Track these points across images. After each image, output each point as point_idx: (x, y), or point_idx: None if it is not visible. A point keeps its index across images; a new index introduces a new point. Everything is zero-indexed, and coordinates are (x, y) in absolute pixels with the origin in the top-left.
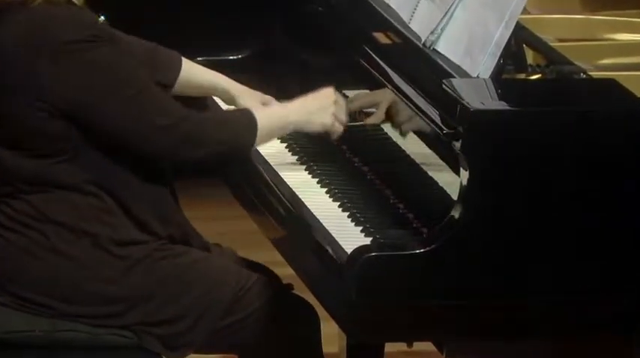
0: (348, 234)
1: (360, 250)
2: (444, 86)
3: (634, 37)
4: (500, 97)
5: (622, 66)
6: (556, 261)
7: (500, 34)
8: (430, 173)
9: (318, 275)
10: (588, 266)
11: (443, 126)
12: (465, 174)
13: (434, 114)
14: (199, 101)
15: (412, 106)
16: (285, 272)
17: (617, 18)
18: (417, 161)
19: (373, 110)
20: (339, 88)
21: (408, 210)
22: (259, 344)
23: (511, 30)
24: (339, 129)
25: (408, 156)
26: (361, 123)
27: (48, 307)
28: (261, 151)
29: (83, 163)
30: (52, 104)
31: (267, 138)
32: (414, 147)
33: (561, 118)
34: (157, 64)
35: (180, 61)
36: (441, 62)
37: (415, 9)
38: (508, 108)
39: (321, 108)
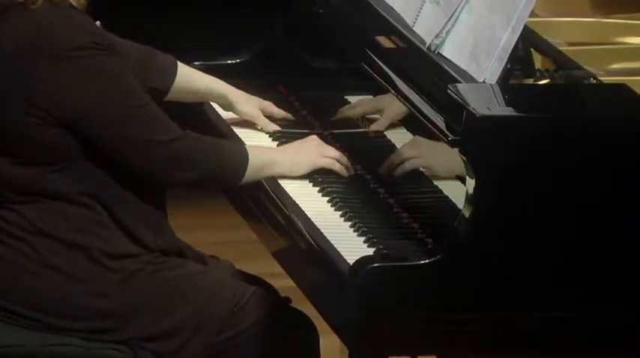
0: (350, 245)
1: (363, 261)
2: (449, 91)
3: None
4: (508, 103)
5: (633, 70)
6: (567, 272)
7: (508, 38)
8: (435, 181)
9: (319, 287)
10: (599, 277)
11: (448, 133)
12: (471, 183)
13: (439, 121)
14: (195, 107)
15: (416, 112)
16: (284, 283)
17: (629, 21)
18: (422, 169)
19: (377, 116)
20: (340, 93)
21: (413, 220)
22: None
23: (518, 33)
24: (329, 162)
25: None
26: (364, 130)
27: (38, 321)
28: None
29: (77, 173)
30: (47, 110)
31: (254, 177)
32: None
33: (571, 125)
34: (152, 68)
35: (176, 65)
36: (446, 67)
37: (419, 12)
38: (515, 114)
39: (306, 149)
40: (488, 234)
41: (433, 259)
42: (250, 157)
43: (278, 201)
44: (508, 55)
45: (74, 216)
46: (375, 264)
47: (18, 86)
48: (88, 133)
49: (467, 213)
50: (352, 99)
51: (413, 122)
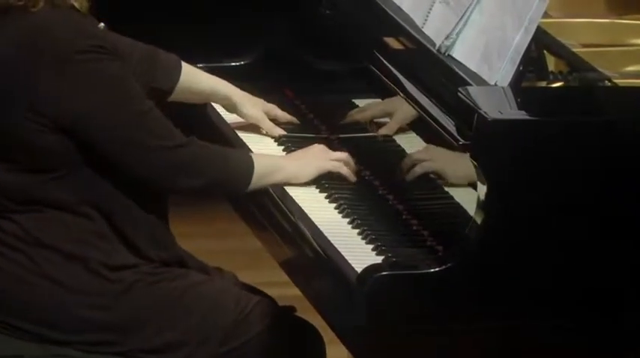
0: (358, 252)
1: (371, 269)
2: (459, 94)
3: None
4: (520, 106)
5: None
6: (582, 279)
7: (520, 39)
8: (445, 187)
9: (326, 296)
10: (616, 283)
11: (459, 137)
12: (482, 188)
13: (449, 124)
14: (199, 109)
15: (426, 116)
16: (290, 292)
17: None
18: (432, 174)
19: (386, 120)
20: (348, 96)
21: (422, 227)
22: None
23: (531, 35)
24: (337, 165)
25: None
26: (373, 134)
27: (36, 333)
28: None
29: (77, 181)
30: (48, 115)
31: (260, 183)
32: None
33: (585, 128)
34: (155, 68)
35: (180, 65)
36: (456, 69)
37: (429, 12)
38: (528, 117)
39: (312, 154)
40: (501, 241)
41: (444, 267)
42: (256, 164)
43: (284, 207)
44: (520, 56)
45: (73, 226)
46: (384, 273)
47: (18, 89)
48: (89, 139)
49: (478, 220)
50: (360, 102)
51: (422, 126)
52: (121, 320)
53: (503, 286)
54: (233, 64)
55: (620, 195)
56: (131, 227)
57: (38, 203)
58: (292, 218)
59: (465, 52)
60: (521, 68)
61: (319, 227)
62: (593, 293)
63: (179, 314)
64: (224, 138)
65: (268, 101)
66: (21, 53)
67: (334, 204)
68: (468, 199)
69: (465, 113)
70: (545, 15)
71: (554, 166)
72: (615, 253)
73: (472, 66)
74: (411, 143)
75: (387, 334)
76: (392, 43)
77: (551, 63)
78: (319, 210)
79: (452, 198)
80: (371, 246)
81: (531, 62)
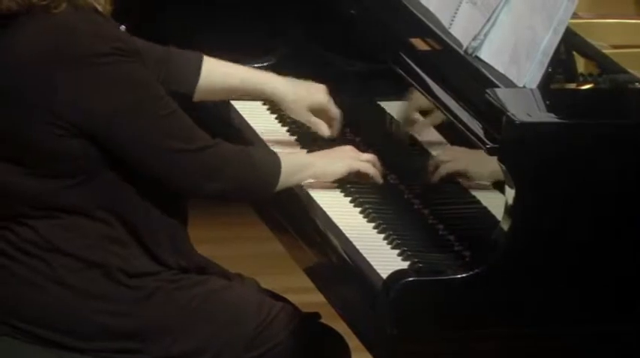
0: (383, 258)
1: (397, 275)
2: (487, 96)
3: None
4: (549, 109)
5: None
6: (612, 285)
7: (549, 41)
8: (472, 191)
9: (351, 303)
10: None
11: (486, 140)
12: (510, 193)
13: (476, 127)
14: (223, 112)
15: (453, 118)
16: (314, 298)
17: None
18: (457, 176)
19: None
20: (372, 97)
21: (449, 232)
22: None
23: (560, 36)
24: (365, 165)
25: None
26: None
27: (50, 340)
28: None
29: (96, 187)
30: (67, 119)
31: (287, 183)
32: None
33: (615, 132)
34: (171, 71)
35: (199, 64)
36: (484, 70)
37: (456, 13)
38: (557, 120)
39: (339, 152)
40: (529, 246)
41: (471, 273)
42: (283, 162)
43: (308, 212)
44: (549, 58)
45: (91, 232)
46: (410, 278)
47: (38, 91)
48: (110, 143)
49: (506, 225)
50: (385, 104)
51: (448, 128)
52: (141, 328)
53: (532, 291)
54: (256, 65)
55: None
56: (150, 233)
57: (56, 209)
58: (317, 222)
59: (492, 54)
60: (550, 70)
61: (344, 232)
62: (624, 300)
63: (200, 322)
64: (247, 143)
65: None
66: (41, 55)
67: (359, 209)
68: (496, 204)
69: (492, 116)
70: (575, 15)
71: (582, 170)
72: None
73: (500, 67)
74: (438, 146)
75: (412, 340)
76: (418, 43)
77: (581, 64)
78: (344, 214)
79: (479, 202)
80: (397, 251)
81: (560, 64)
